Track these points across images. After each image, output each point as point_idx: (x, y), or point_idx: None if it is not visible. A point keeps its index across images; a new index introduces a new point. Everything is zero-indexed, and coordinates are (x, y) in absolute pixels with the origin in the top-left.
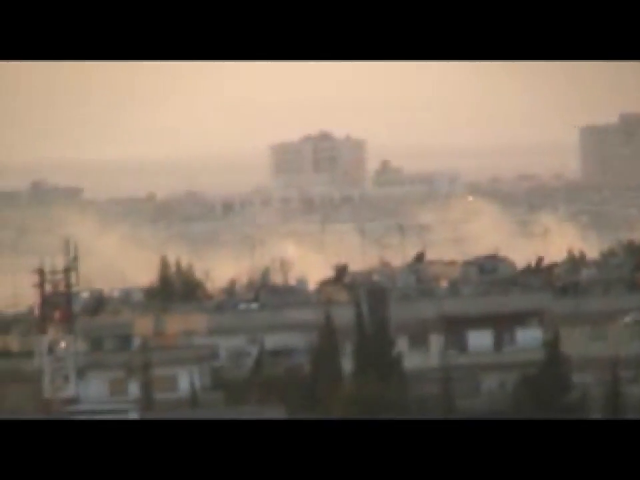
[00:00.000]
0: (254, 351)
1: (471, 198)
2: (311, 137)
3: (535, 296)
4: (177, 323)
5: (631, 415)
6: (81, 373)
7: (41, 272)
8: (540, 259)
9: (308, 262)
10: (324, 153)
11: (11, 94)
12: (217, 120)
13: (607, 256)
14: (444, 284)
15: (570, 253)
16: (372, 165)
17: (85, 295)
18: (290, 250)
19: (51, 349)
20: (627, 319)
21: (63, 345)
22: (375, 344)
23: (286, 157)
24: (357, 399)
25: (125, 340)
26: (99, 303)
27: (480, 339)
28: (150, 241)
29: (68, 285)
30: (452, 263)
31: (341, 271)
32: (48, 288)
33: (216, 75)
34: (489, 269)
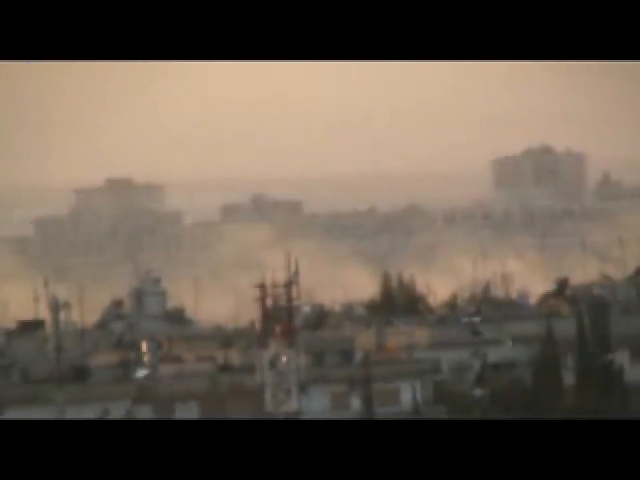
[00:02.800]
0: (476, 364)
1: None
2: (532, 151)
3: None
4: (399, 336)
5: None
6: (303, 387)
7: (262, 286)
8: None
9: (529, 275)
10: (545, 167)
11: (234, 110)
12: (439, 133)
13: None
14: None
15: None
16: (592, 178)
17: (307, 309)
18: (511, 263)
19: (273, 364)
20: None
21: (284, 359)
22: (596, 357)
23: (507, 171)
24: (579, 412)
25: (346, 354)
26: (320, 317)
27: None
28: (371, 254)
29: (289, 299)
30: None
31: (562, 284)
32: (269, 302)
33: (437, 91)
34: None
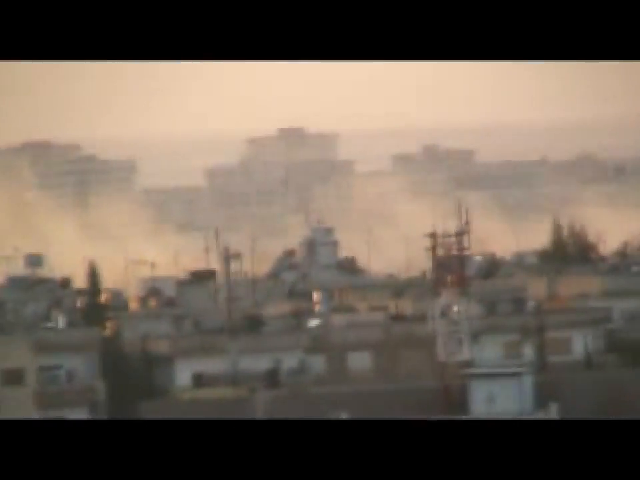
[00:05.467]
0: None
1: None
2: None
3: None
4: (571, 285)
5: None
6: (475, 336)
7: (433, 235)
8: None
9: None
10: None
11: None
12: (609, 82)
13: None
14: None
15: None
16: None
17: (478, 258)
18: None
19: (445, 313)
20: None
21: (456, 308)
22: None
23: None
24: None
25: (519, 303)
26: (492, 266)
27: None
28: (544, 203)
29: (461, 249)
30: None
31: None
32: (441, 252)
33: None
34: None
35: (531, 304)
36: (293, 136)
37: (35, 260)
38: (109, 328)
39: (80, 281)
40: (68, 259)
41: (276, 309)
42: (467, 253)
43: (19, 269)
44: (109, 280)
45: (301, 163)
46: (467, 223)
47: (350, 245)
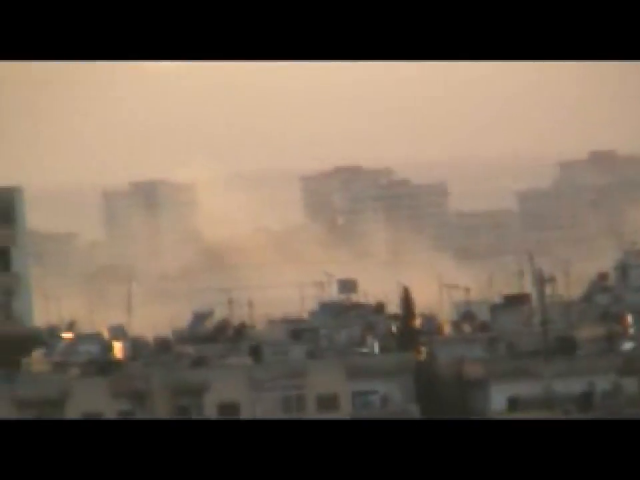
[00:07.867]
0: None
1: None
2: None
3: None
4: None
5: None
6: None
7: None
8: None
9: None
10: None
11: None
12: None
13: None
14: None
15: None
16: None
17: None
18: None
19: None
20: None
21: None
22: None
23: None
24: None
25: None
26: None
27: None
28: None
29: None
30: None
31: None
32: None
33: None
34: None
35: None
36: (603, 159)
37: (348, 285)
38: (422, 352)
39: (393, 306)
40: (381, 284)
41: (589, 331)
42: None
43: (333, 294)
44: (422, 304)
45: (612, 185)
46: None
47: None
